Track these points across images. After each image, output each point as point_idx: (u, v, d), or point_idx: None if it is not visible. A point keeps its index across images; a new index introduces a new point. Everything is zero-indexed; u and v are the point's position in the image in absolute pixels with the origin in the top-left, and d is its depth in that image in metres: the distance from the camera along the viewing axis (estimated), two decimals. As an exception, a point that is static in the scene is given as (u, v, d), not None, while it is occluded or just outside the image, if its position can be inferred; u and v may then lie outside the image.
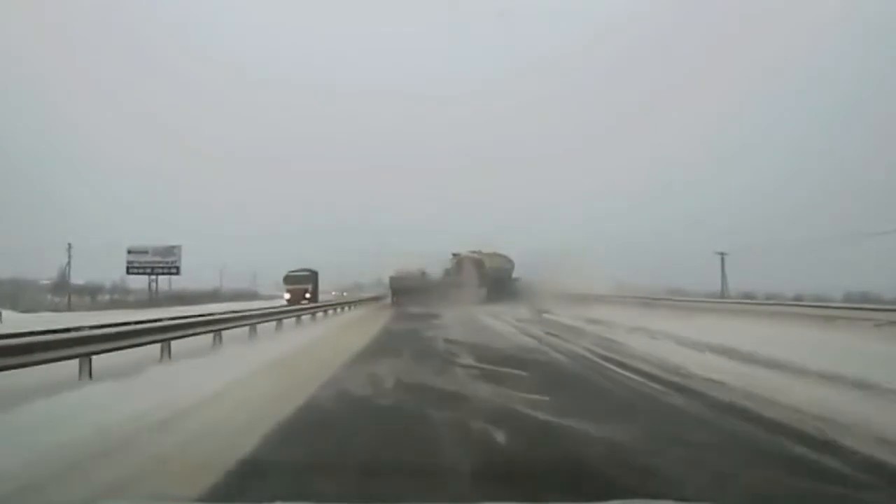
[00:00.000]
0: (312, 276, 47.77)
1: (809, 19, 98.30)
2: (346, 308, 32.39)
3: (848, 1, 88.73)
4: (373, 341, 15.38)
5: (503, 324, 21.99)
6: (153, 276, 65.88)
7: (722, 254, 59.10)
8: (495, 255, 51.03)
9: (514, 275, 52.45)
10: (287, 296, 43.87)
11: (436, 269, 50.89)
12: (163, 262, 65.82)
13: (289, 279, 46.94)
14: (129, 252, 65.36)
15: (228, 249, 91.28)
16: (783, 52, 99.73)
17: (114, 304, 64.52)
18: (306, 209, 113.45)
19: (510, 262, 52.89)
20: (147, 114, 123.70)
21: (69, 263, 67.88)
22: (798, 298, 32.74)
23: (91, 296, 73.03)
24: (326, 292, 71.01)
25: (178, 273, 65.85)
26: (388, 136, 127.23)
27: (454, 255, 50.64)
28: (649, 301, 29.95)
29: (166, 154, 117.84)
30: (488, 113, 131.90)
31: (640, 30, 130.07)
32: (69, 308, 55.19)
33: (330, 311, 26.93)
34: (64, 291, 64.38)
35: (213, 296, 69.66)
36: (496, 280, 48.05)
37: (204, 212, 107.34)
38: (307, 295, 43.05)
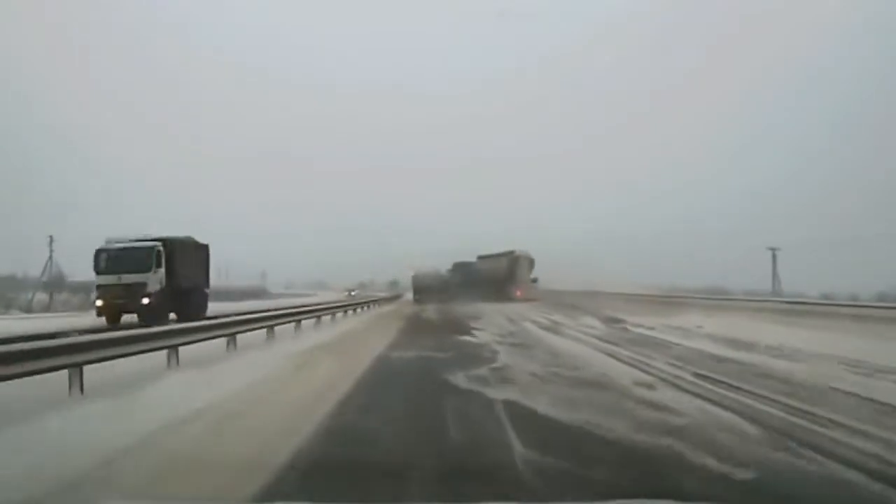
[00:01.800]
0: (165, 256, 22.05)
1: (810, 19, 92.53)
2: (343, 313, 23.46)
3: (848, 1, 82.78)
4: (329, 425, 6.38)
5: (588, 348, 12.85)
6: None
7: (773, 249, 52.03)
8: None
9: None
10: (98, 303, 21.24)
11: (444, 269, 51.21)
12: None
13: (104, 263, 21.44)
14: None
15: (240, 248, 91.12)
16: (783, 51, 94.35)
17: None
18: (318, 210, 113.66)
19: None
20: (155, 115, 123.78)
21: (51, 258, 62.07)
22: (826, 297, 30.60)
23: (86, 294, 66.38)
24: (339, 291, 70.81)
25: (160, 268, 57.74)
26: (391, 137, 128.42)
27: (508, 252, 48.09)
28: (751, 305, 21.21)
29: (172, 153, 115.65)
30: (489, 113, 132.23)
31: (641, 30, 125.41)
32: (49, 308, 49.36)
33: (301, 323, 18.09)
34: (57, 289, 58.13)
35: (222, 294, 65.28)
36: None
37: (212, 210, 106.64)
38: (146, 300, 20.55)
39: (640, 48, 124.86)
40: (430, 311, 31.75)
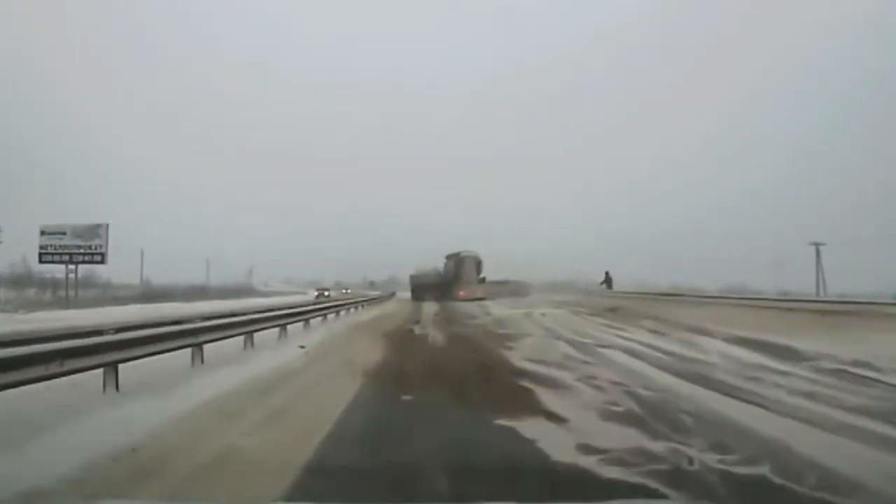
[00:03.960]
0: None
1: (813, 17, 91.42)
2: (305, 323, 13.55)
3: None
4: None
5: None
6: (72, 266, 48.73)
7: (817, 244, 45.10)
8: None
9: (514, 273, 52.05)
10: None
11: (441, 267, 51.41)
12: (84, 247, 48.15)
13: None
14: (43, 234, 47.78)
15: (235, 246, 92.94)
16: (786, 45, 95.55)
17: (56, 303, 46.75)
18: (316, 209, 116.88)
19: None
20: (154, 110, 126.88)
21: (-6, 250, 52.88)
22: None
23: (53, 289, 55.59)
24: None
25: (102, 261, 48.30)
26: (390, 136, 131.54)
27: (454, 253, 49.19)
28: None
29: (172, 150, 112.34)
30: (488, 112, 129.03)
31: (642, 29, 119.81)
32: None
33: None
34: (23, 285, 52.35)
35: (202, 292, 58.91)
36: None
37: (207, 207, 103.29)
38: None
39: (642, 48, 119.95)
40: (429, 319, 21.83)
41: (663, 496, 3.36)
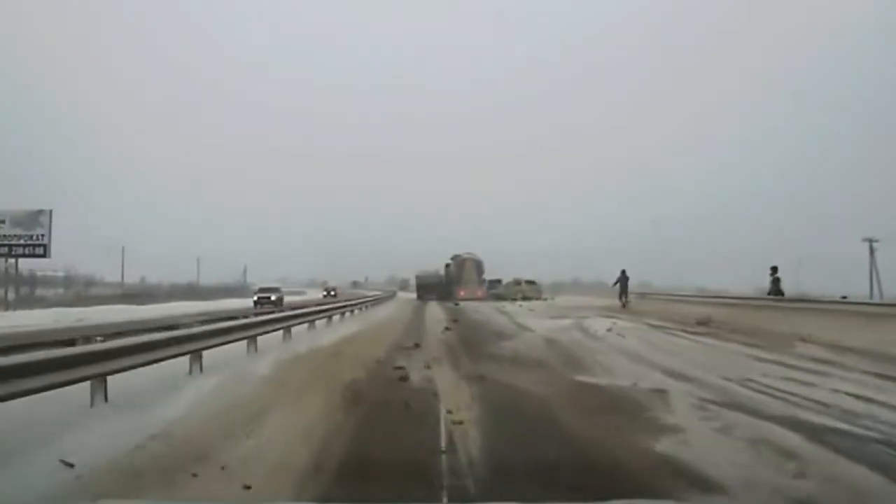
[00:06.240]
0: None
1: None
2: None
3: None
4: None
5: None
6: (10, 260, 41.56)
7: (871, 240, 40.39)
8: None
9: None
10: None
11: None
12: (24, 237, 40.61)
13: None
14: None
15: (232, 245, 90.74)
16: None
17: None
18: (313, 209, 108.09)
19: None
20: (153, 110, 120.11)
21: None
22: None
23: (30, 288, 50.95)
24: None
25: (44, 254, 40.70)
26: (390, 135, 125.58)
27: (457, 255, 50.34)
28: None
29: (168, 145, 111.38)
30: (488, 112, 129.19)
31: (644, 27, 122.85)
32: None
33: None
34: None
35: (188, 292, 54.70)
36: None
37: (206, 206, 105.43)
38: None
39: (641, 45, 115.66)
40: (435, 340, 13.85)
41: (663, 496, 3.30)
